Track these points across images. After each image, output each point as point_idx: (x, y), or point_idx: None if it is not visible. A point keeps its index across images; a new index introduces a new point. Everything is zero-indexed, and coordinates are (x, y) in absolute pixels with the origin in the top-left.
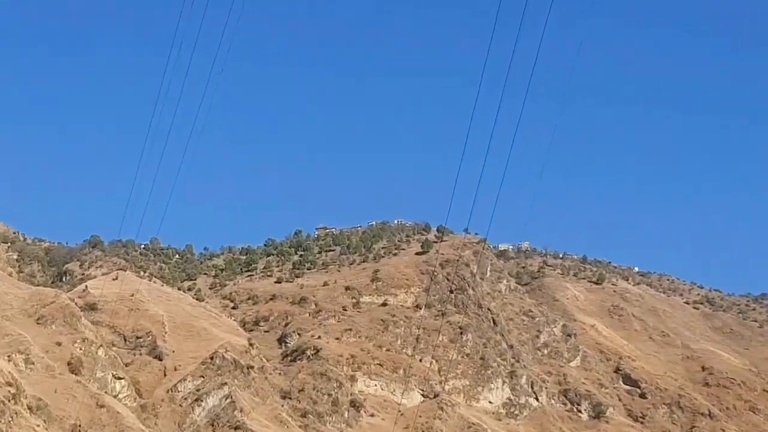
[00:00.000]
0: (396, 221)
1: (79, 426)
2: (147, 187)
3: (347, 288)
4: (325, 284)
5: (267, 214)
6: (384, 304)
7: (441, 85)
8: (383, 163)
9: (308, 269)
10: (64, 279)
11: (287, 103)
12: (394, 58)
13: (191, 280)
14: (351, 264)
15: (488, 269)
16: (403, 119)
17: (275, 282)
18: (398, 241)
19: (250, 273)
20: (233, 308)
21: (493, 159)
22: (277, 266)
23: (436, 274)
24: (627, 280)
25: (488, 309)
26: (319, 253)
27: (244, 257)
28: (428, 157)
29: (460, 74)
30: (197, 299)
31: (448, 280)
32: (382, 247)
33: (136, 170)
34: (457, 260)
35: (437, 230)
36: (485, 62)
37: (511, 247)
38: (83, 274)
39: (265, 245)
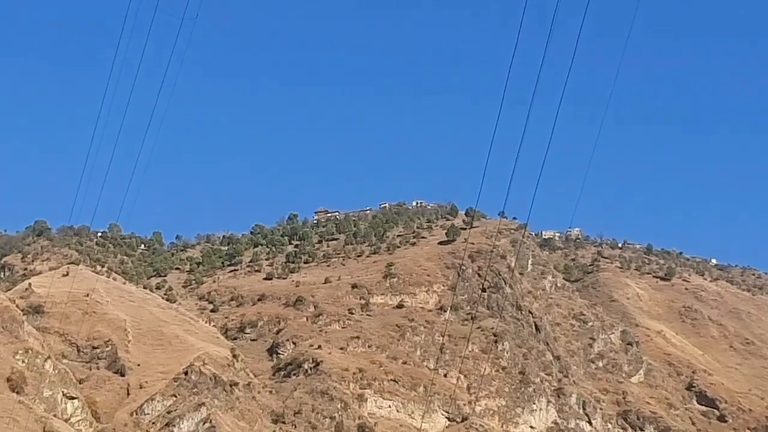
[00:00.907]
0: (414, 203)
1: None
2: (104, 162)
3: (354, 286)
4: (327, 281)
5: (254, 196)
6: (400, 306)
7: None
8: (396, 133)
9: (305, 263)
10: (1, 275)
11: (276, 63)
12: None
13: (160, 276)
14: (359, 256)
15: (529, 262)
16: (420, 80)
17: (264, 279)
18: (417, 227)
19: (233, 267)
20: (212, 311)
21: (535, 126)
22: (267, 259)
23: (464, 268)
24: (702, 275)
25: (529, 311)
26: (319, 242)
27: (226, 248)
28: (453, 125)
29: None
30: (168, 300)
31: (479, 275)
32: (398, 236)
33: (90, 141)
34: (491, 251)
35: (466, 214)
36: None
37: (557, 234)
38: (26, 269)
39: (251, 233)
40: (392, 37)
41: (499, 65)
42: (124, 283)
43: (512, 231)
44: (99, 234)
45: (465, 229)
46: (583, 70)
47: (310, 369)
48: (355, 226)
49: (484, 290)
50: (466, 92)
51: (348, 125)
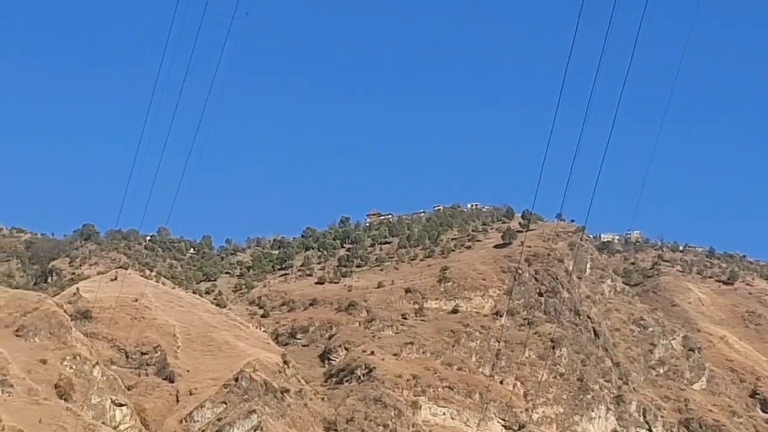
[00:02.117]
0: (469, 206)
1: None
2: (153, 165)
3: (408, 290)
4: (380, 285)
5: (305, 199)
6: (454, 311)
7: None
8: (450, 134)
9: (358, 266)
10: (49, 279)
11: (324, 63)
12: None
13: (210, 280)
14: (412, 260)
15: (587, 266)
16: (474, 80)
17: (316, 283)
18: (472, 230)
19: (283, 272)
20: (263, 316)
21: (593, 126)
22: (319, 263)
23: (521, 272)
24: (766, 279)
25: (588, 317)
26: (372, 246)
27: (277, 252)
28: (509, 125)
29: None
30: (217, 305)
31: (536, 279)
32: (452, 239)
33: (138, 142)
34: (548, 254)
35: (522, 216)
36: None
37: (617, 237)
38: (74, 273)
39: (302, 237)
40: (444, 37)
41: (554, 64)
42: (173, 288)
43: (570, 234)
44: (147, 238)
45: (521, 231)
46: (643, 67)
47: (363, 375)
48: (408, 229)
49: (541, 294)
50: (521, 92)
51: (401, 126)
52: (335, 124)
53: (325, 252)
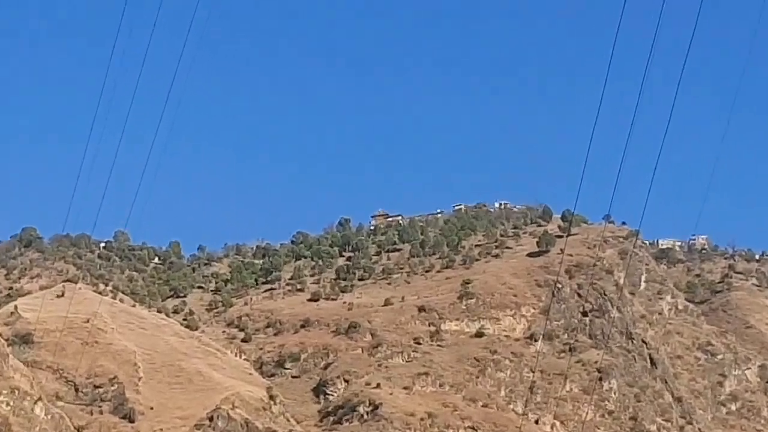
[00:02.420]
0: (497, 205)
1: None
2: (109, 156)
3: (422, 309)
4: (387, 303)
5: (295, 197)
6: (479, 335)
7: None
8: (472, 121)
9: (360, 280)
10: None
11: (324, 46)
12: None
13: (179, 297)
14: (427, 271)
15: (642, 279)
16: (499, 61)
17: (309, 300)
18: (501, 235)
19: (269, 286)
20: (244, 341)
21: (649, 110)
22: (312, 275)
23: (560, 286)
24: None
25: (642, 341)
26: (378, 254)
27: (261, 262)
28: (544, 111)
29: None
30: (188, 327)
31: (579, 296)
32: (476, 245)
33: (89, 131)
34: (594, 265)
35: (562, 218)
36: None
37: (678, 244)
38: (11, 288)
39: (292, 243)
40: (478, 20)
41: (600, 41)
42: (133, 306)
43: (621, 239)
44: (102, 245)
45: (561, 236)
46: (710, 56)
47: (367, 414)
48: (422, 234)
49: (585, 314)
50: (556, 72)
51: (411, 112)
52: (331, 109)
53: (320, 262)
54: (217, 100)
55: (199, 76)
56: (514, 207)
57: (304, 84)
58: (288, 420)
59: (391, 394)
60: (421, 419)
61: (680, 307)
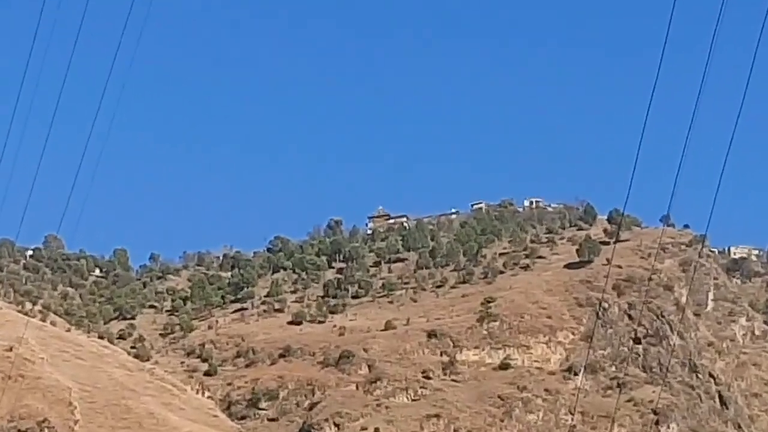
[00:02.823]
0: (527, 203)
1: None
2: (37, 144)
3: (432, 335)
4: (389, 326)
5: (272, 194)
6: (504, 367)
7: None
8: (494, 102)
9: (354, 297)
10: None
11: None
12: None
13: (126, 318)
14: (438, 287)
15: (710, 296)
16: (528, 36)
17: (290, 323)
18: (532, 241)
19: (240, 305)
20: (208, 374)
21: (715, 88)
22: (294, 291)
23: (606, 306)
24: None
25: (710, 375)
26: (376, 265)
27: (229, 275)
28: (582, 90)
29: None
30: (137, 357)
31: (630, 317)
32: (501, 254)
33: (14, 109)
34: (649, 279)
35: (609, 220)
36: None
37: (754, 252)
38: None
39: (269, 251)
40: None
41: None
42: (68, 331)
43: (683, 247)
44: (29, 253)
45: (608, 243)
46: None
47: None
48: (432, 239)
49: (637, 341)
50: (596, 44)
51: (415, 91)
52: (314, 90)
53: (303, 274)
54: (176, 83)
55: (158, 52)
56: (549, 206)
57: (275, 60)
58: None
59: None
60: None
61: (757, 332)
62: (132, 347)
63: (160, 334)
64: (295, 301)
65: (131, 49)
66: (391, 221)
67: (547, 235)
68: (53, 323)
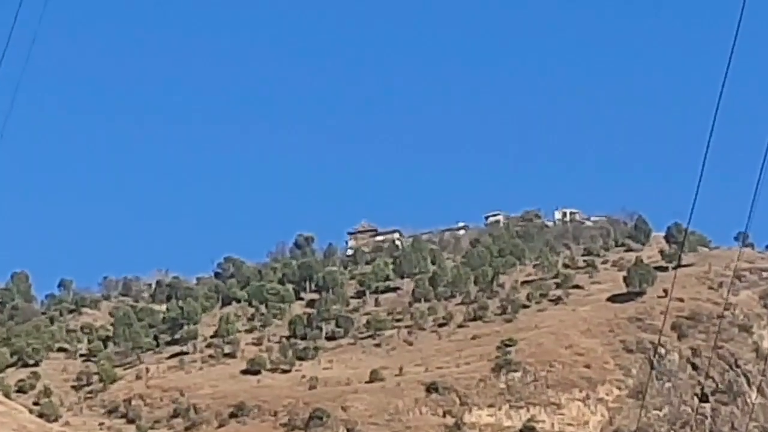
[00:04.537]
0: (559, 214)
1: None
2: None
3: (432, 388)
4: (376, 378)
5: (220, 204)
6: (529, 430)
7: None
8: (519, 91)
9: (330, 339)
10: None
11: None
12: None
13: (28, 365)
14: (441, 325)
15: None
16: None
17: (244, 372)
18: (566, 265)
19: (178, 348)
20: None
21: None
22: (250, 331)
23: (664, 351)
24: None
25: None
26: (359, 296)
27: (164, 308)
28: (630, 81)
29: None
30: (42, 416)
31: (694, 367)
32: (524, 281)
33: None
34: (721, 316)
35: (667, 238)
36: None
37: None
38: None
39: (217, 276)
40: None
41: None
42: None
43: (765, 274)
44: None
45: (665, 269)
46: None
47: None
48: (434, 263)
49: (704, 398)
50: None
51: (413, 75)
52: (282, 71)
53: (263, 308)
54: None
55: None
56: (587, 219)
57: (235, 54)
58: None
59: None
60: None
61: None
62: (35, 403)
63: (73, 387)
64: (252, 344)
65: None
66: (379, 238)
67: (586, 258)
68: None
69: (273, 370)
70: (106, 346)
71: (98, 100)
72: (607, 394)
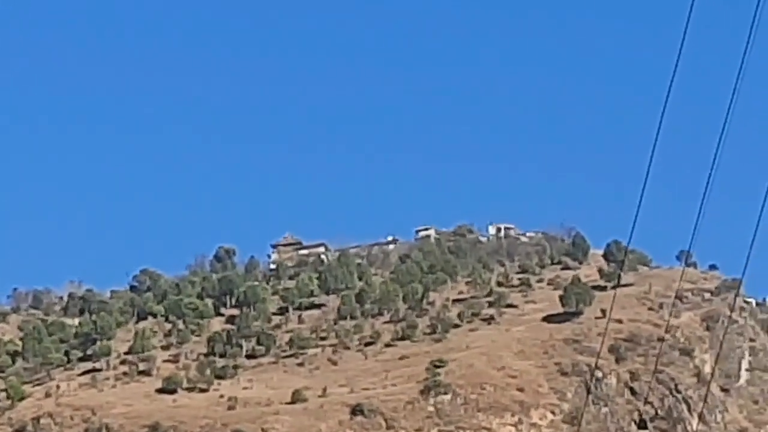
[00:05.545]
0: (494, 230)
1: None
2: None
3: (357, 410)
4: (298, 398)
5: (138, 214)
6: None
7: None
8: (447, 97)
9: (251, 357)
10: None
11: None
12: None
13: None
14: (368, 344)
15: (743, 364)
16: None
17: (159, 390)
18: (499, 283)
19: (89, 364)
20: None
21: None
22: (166, 347)
23: (601, 375)
24: None
25: None
26: (282, 312)
27: (76, 322)
28: (571, 88)
29: None
30: None
31: (633, 392)
32: (456, 299)
33: None
34: (661, 339)
35: (606, 256)
36: None
37: None
38: None
39: (132, 289)
40: None
41: None
42: None
43: (707, 295)
44: None
45: (604, 288)
46: None
47: None
48: (361, 278)
49: (643, 425)
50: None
51: (341, 81)
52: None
53: (180, 324)
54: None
55: None
56: (522, 235)
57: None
58: None
59: None
60: None
61: None
62: None
63: None
64: (168, 361)
65: None
66: (304, 252)
67: (520, 276)
68: None
69: (190, 389)
70: (14, 362)
71: (8, 104)
72: (540, 419)
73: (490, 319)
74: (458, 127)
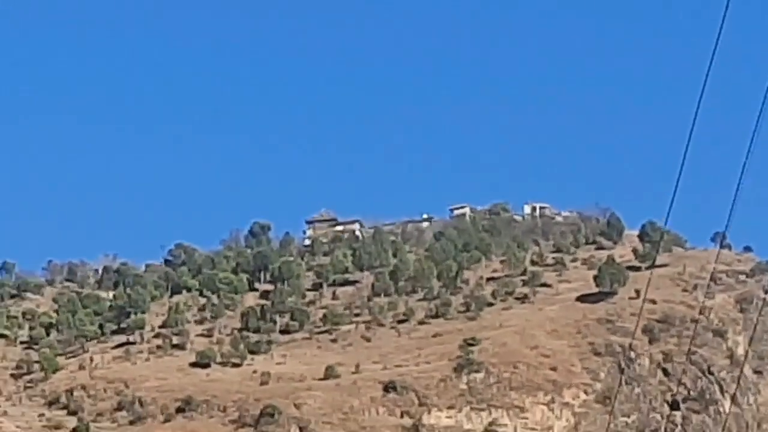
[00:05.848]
0: (529, 209)
1: None
2: None
3: (390, 387)
4: (331, 375)
5: (173, 189)
6: None
7: None
8: (485, 82)
9: (284, 332)
10: None
11: None
12: None
13: None
14: (401, 321)
15: None
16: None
17: (193, 364)
18: (534, 262)
19: (123, 338)
20: (77, 431)
21: None
22: (200, 322)
23: (634, 355)
24: None
25: None
26: (316, 288)
27: (110, 296)
28: (607, 73)
29: None
30: None
31: (666, 373)
32: (490, 278)
33: None
34: (695, 321)
35: (641, 236)
36: None
37: None
38: None
39: (167, 264)
40: None
41: None
42: None
43: (742, 277)
44: None
45: (638, 269)
46: None
47: None
48: (395, 255)
49: (675, 406)
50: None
51: (381, 64)
52: (234, 52)
53: (214, 298)
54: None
55: None
56: (557, 214)
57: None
58: None
59: None
60: None
61: None
62: None
63: (12, 375)
64: (202, 335)
65: None
66: (339, 228)
67: (555, 255)
68: None
69: (223, 364)
70: (48, 334)
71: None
72: (573, 399)
73: (523, 298)
74: (494, 106)
